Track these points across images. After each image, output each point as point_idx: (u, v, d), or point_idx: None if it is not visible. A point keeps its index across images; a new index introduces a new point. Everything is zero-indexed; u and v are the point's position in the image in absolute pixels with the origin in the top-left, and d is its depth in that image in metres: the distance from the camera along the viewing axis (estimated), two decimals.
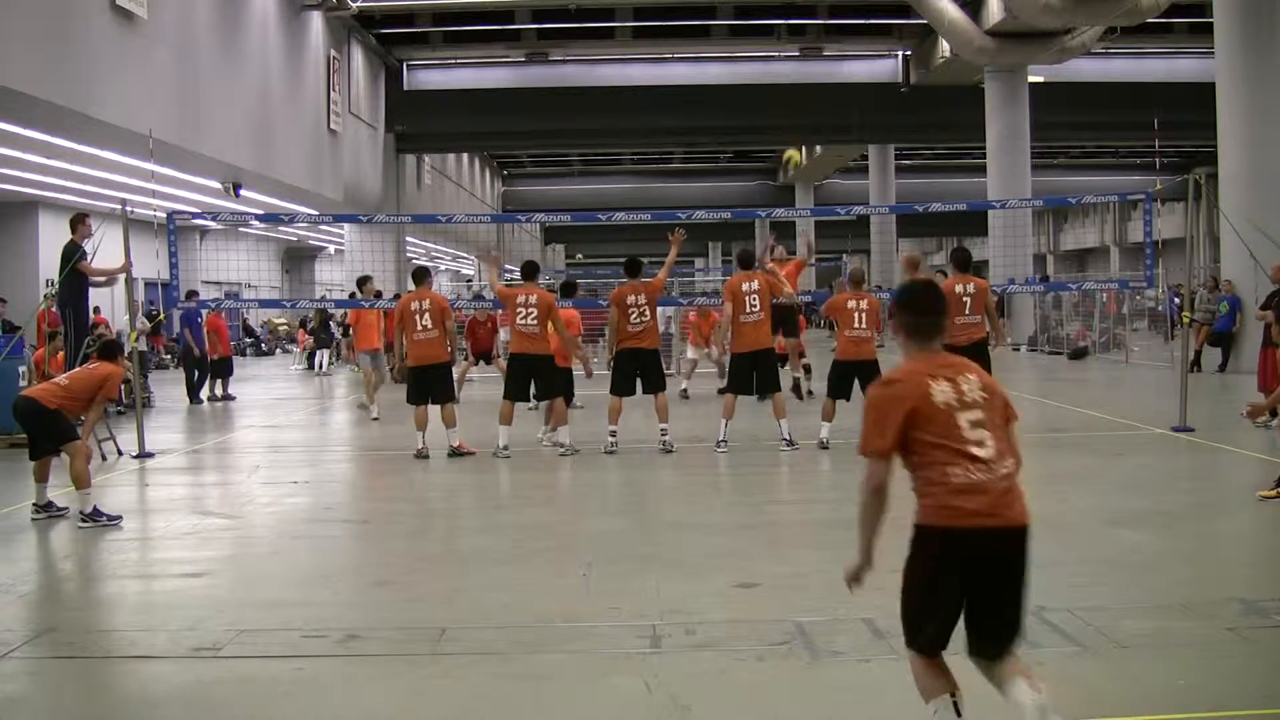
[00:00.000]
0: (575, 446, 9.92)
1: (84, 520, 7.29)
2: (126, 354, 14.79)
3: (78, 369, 8.04)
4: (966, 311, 9.48)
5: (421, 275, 10.30)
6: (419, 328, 9.78)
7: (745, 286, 9.76)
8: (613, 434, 9.92)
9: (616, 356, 9.95)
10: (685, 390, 14.88)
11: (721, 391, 10.71)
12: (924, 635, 3.31)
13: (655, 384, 9.95)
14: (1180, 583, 5.60)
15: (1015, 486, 3.30)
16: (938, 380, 3.28)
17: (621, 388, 9.96)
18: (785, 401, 10.34)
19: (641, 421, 10.96)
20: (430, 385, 9.85)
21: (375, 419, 12.70)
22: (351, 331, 15.21)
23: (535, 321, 9.76)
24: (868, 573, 3.36)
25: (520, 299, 9.83)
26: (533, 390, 10.45)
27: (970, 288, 9.65)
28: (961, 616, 3.31)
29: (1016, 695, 3.34)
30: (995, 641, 3.35)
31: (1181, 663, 4.39)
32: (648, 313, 9.83)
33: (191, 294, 16.90)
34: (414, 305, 9.86)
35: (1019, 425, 3.49)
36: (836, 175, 45.91)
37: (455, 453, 9.75)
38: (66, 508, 7.58)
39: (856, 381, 9.61)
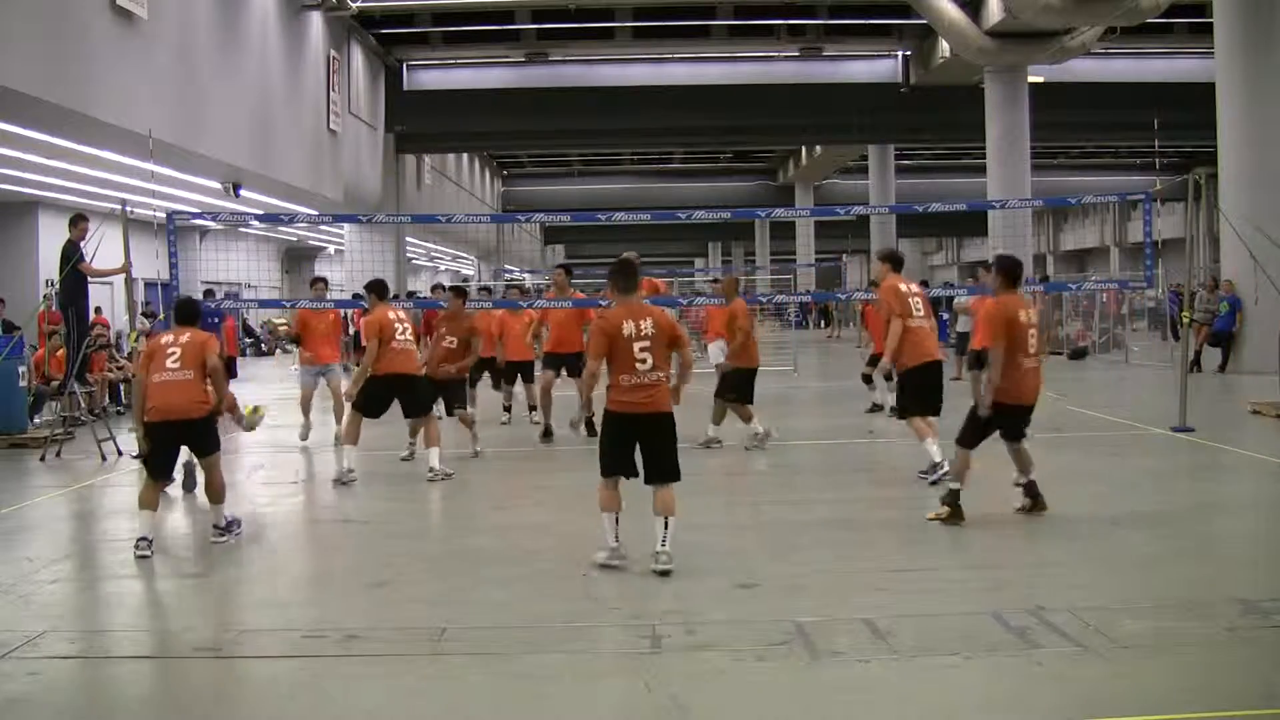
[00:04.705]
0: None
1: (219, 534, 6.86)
2: (126, 354, 14.85)
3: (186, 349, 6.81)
4: None
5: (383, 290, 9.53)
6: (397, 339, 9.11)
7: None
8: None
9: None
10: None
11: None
12: None
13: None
14: (1180, 583, 5.60)
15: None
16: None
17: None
18: None
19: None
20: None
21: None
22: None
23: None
24: None
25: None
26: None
27: None
28: None
29: None
30: None
31: (1181, 663, 4.39)
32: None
33: (208, 293, 16.82)
34: (390, 315, 9.10)
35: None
36: (836, 175, 45.89)
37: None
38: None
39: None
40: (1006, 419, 6.93)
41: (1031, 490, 7.06)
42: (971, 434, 6.97)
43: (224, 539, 6.80)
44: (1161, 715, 3.88)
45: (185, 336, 6.83)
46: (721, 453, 9.98)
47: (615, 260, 6.47)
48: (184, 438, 6.86)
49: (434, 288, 12.88)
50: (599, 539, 6.00)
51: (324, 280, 12.09)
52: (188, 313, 7.16)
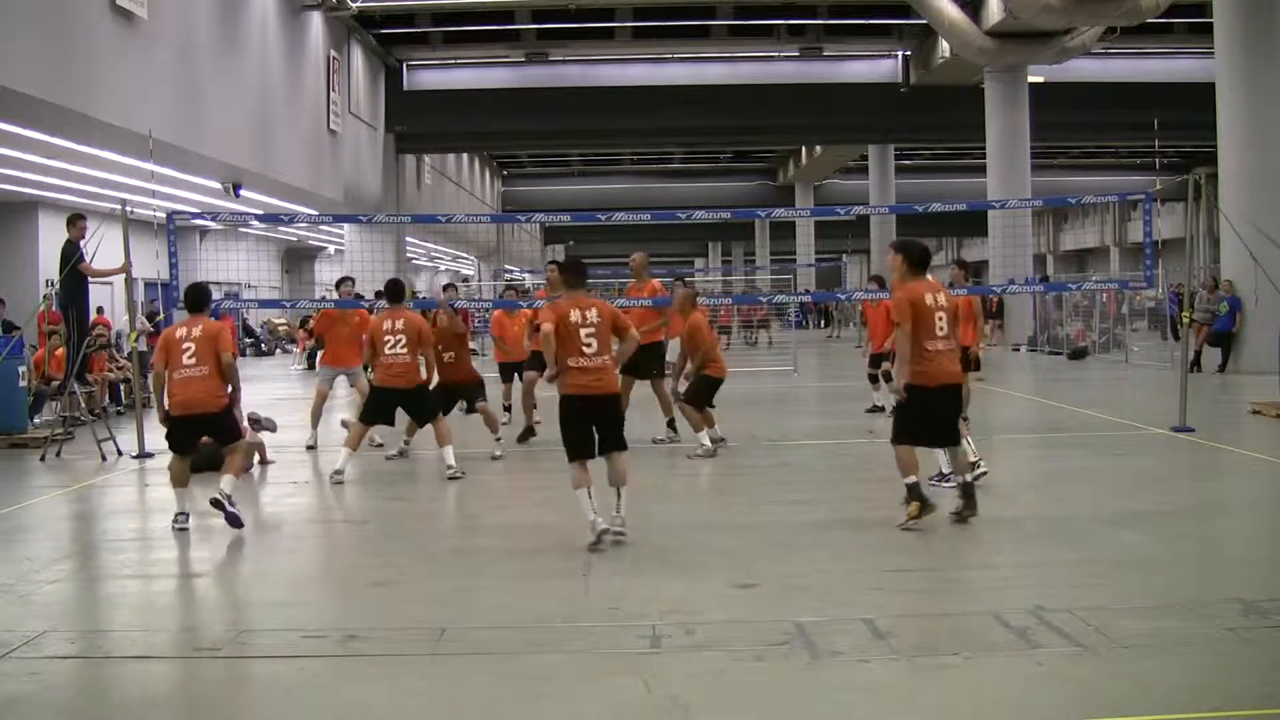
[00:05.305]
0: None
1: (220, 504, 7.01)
2: (126, 354, 14.86)
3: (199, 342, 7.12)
4: None
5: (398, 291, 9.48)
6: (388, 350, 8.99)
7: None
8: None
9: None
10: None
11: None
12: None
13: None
14: (1180, 583, 5.60)
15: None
16: None
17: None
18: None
19: (642, 425, 10.94)
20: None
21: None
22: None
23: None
24: None
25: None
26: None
27: None
28: None
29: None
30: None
31: (1181, 663, 4.40)
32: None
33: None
34: (386, 325, 9.04)
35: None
36: (836, 175, 45.92)
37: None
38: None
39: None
40: (928, 405, 6.78)
41: (966, 491, 6.87)
42: (904, 430, 6.86)
43: (223, 509, 6.90)
44: (1161, 715, 3.88)
45: (198, 329, 7.09)
46: (723, 453, 9.97)
47: (566, 258, 6.99)
48: (206, 429, 7.23)
49: (445, 287, 12.71)
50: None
51: (351, 279, 11.90)
52: (197, 300, 7.35)
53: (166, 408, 7.22)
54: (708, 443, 9.83)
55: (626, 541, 6.38)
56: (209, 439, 7.38)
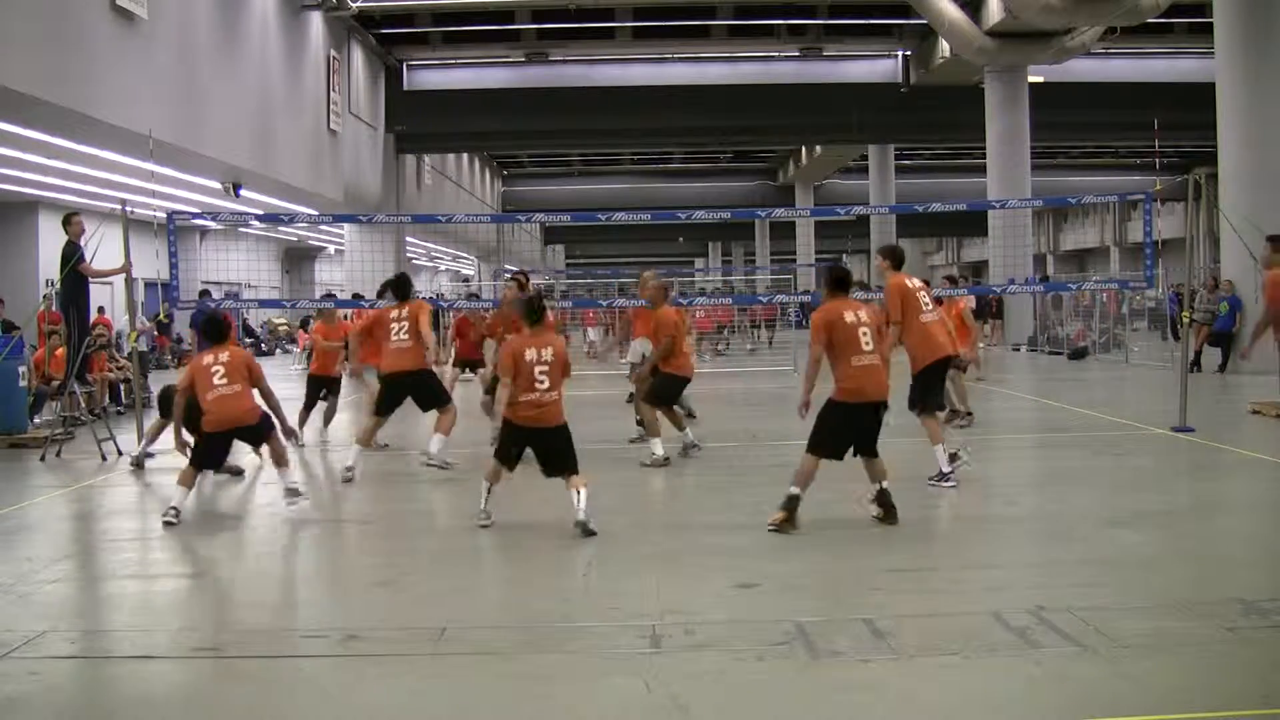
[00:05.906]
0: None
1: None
2: (126, 354, 14.85)
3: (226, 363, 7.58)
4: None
5: (405, 287, 9.50)
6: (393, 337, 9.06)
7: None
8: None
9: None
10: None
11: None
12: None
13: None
14: (1180, 583, 5.60)
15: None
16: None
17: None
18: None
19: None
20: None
21: None
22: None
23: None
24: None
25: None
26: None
27: None
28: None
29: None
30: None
31: (1181, 663, 4.39)
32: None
33: (204, 293, 16.87)
34: (392, 314, 9.09)
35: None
36: (836, 175, 45.89)
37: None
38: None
39: None
40: (857, 420, 6.78)
41: (883, 499, 6.81)
42: (822, 441, 6.80)
43: (297, 500, 7.50)
44: (1161, 715, 3.88)
45: (225, 355, 7.59)
46: (723, 452, 9.97)
47: (526, 297, 7.47)
48: (244, 438, 7.85)
49: (469, 295, 12.69)
50: (595, 541, 6.25)
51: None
52: (220, 333, 7.80)
53: (205, 428, 7.55)
54: (659, 451, 9.25)
55: (599, 532, 6.60)
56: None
